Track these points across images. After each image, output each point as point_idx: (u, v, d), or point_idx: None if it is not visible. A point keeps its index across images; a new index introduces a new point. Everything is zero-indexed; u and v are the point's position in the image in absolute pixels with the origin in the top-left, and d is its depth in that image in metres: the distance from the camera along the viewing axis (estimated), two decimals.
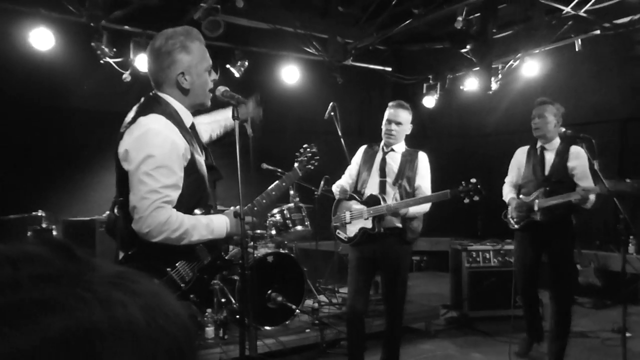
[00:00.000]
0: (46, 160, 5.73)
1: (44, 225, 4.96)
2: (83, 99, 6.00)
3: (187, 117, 2.20)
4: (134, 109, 2.16)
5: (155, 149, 1.99)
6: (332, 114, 4.28)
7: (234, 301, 4.46)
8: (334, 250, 5.88)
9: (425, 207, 3.58)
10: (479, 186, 3.31)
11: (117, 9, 5.44)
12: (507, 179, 4.51)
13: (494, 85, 6.51)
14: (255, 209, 2.52)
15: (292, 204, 4.94)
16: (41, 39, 5.22)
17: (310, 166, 2.87)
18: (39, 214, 4.96)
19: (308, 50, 6.40)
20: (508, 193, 4.41)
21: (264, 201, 2.57)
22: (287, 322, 4.51)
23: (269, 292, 4.44)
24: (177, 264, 2.09)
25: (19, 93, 5.59)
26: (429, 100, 7.63)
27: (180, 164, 2.05)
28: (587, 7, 5.37)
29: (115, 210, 2.14)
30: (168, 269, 2.07)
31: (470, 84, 7.16)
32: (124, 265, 2.03)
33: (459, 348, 4.74)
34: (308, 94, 6.94)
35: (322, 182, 4.90)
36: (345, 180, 3.88)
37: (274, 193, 2.65)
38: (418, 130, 8.51)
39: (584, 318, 5.19)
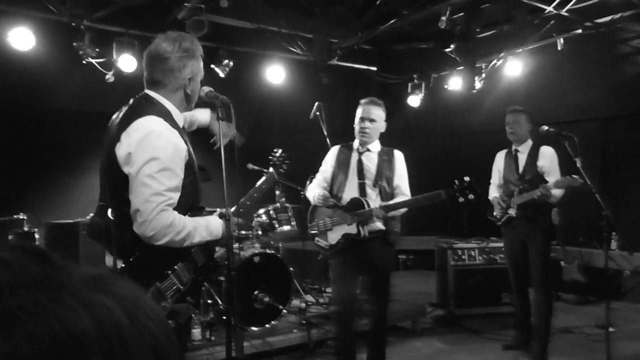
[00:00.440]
0: (28, 162, 5.64)
1: (25, 229, 4.87)
2: (65, 99, 5.92)
3: (179, 119, 2.21)
4: (125, 109, 2.15)
5: (159, 151, 1.98)
6: (318, 113, 4.28)
7: (220, 302, 4.44)
8: (320, 250, 5.88)
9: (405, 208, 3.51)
10: (473, 184, 3.26)
11: (100, 8, 5.37)
12: (492, 181, 4.77)
13: (478, 85, 6.55)
14: (241, 210, 2.51)
15: (278, 204, 4.93)
16: (21, 38, 5.13)
17: (281, 169, 2.92)
18: (21, 217, 4.88)
19: (293, 50, 6.39)
20: (492, 193, 4.68)
21: (248, 202, 2.57)
22: (274, 323, 4.50)
23: (256, 292, 4.42)
24: (176, 267, 2.10)
25: None
26: (414, 99, 7.66)
27: (181, 166, 2.07)
28: (569, 6, 5.43)
29: (109, 215, 2.08)
30: (168, 272, 2.08)
31: (455, 83, 7.20)
32: (127, 271, 2.01)
33: (446, 345, 4.77)
34: (293, 93, 6.93)
35: (307, 182, 4.90)
36: (319, 184, 3.69)
37: (255, 195, 2.66)
38: (403, 130, 8.64)
39: (568, 314, 5.26)
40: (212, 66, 6.21)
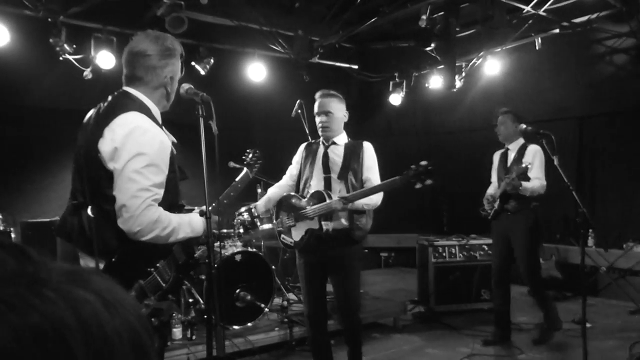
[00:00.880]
0: (2, 160, 5.53)
1: (1, 228, 4.79)
2: (42, 96, 5.81)
3: (158, 116, 2.20)
4: (104, 106, 2.13)
5: (145, 147, 1.98)
6: (300, 111, 4.26)
7: (201, 301, 4.41)
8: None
9: (375, 199, 3.30)
10: (429, 167, 3.03)
11: (76, 4, 5.28)
12: (492, 180, 4.94)
13: (458, 84, 6.61)
14: (219, 209, 2.50)
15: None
16: None
17: (255, 168, 2.93)
18: None
19: (274, 47, 6.37)
20: (488, 191, 4.86)
21: (225, 201, 2.57)
22: (256, 321, 4.49)
23: (238, 291, 4.40)
24: (158, 264, 2.09)
25: None
26: (395, 98, 7.70)
27: (167, 163, 2.07)
28: (546, 6, 5.50)
29: (89, 212, 2.03)
30: (151, 269, 2.07)
31: (435, 82, 7.26)
32: (109, 269, 1.98)
33: (426, 342, 4.82)
34: (275, 91, 6.91)
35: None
36: (285, 182, 3.65)
37: (232, 194, 2.66)
38: (384, 129, 8.67)
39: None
40: (193, 63, 6.16)
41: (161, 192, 2.04)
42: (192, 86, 2.40)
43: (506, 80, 7.05)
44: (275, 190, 3.69)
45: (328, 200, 3.22)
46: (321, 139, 3.53)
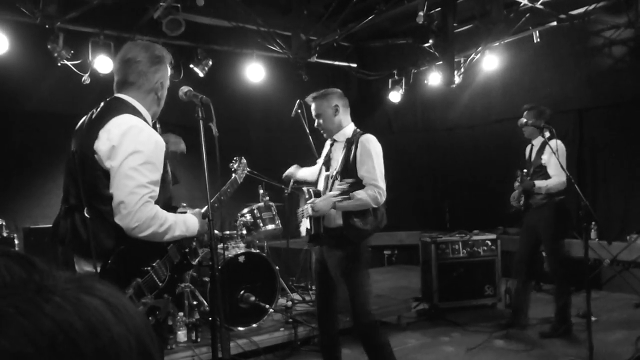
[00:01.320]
0: (4, 166, 5.53)
1: (4, 234, 4.80)
2: (41, 102, 5.82)
3: (149, 121, 2.23)
4: (97, 111, 2.17)
5: (141, 145, 2.03)
6: (299, 111, 4.26)
7: (205, 303, 4.41)
8: (305, 248, 5.87)
9: (364, 199, 3.16)
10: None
11: (73, 9, 5.28)
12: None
13: (457, 79, 6.60)
14: (210, 212, 2.53)
15: (262, 203, 4.91)
16: None
17: (243, 175, 2.99)
18: None
19: (272, 47, 6.36)
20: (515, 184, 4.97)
21: (216, 205, 2.59)
22: (260, 322, 4.49)
23: (242, 292, 4.40)
24: (154, 264, 2.12)
25: None
26: (395, 95, 7.69)
27: (162, 161, 2.12)
28: None
29: (85, 213, 2.05)
30: (147, 268, 2.10)
31: (434, 78, 7.25)
32: (107, 269, 2.00)
33: (431, 339, 4.81)
34: (274, 92, 6.90)
35: (291, 181, 4.88)
36: (314, 169, 3.66)
37: (222, 198, 2.69)
38: (384, 126, 8.66)
39: (550, 304, 5.31)
40: (191, 66, 6.16)
41: (157, 189, 2.08)
42: (192, 89, 2.41)
43: (505, 74, 7.04)
44: (306, 172, 3.71)
45: (308, 203, 3.22)
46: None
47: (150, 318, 2.02)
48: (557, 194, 4.51)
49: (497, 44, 6.54)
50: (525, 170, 4.70)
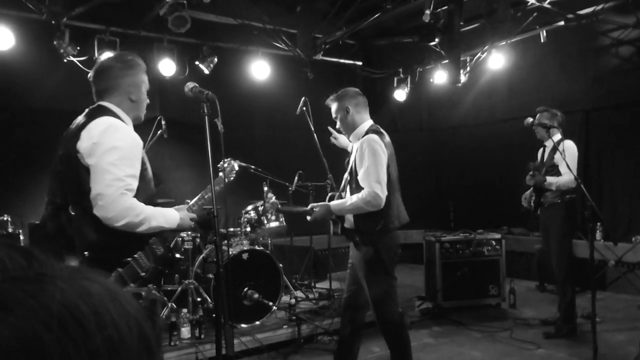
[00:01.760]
0: (10, 163, 5.55)
1: (10, 230, 4.81)
2: (47, 98, 5.83)
3: (130, 125, 2.35)
4: (81, 117, 2.31)
5: (118, 141, 2.16)
6: (304, 109, 4.25)
7: (209, 300, 4.42)
8: (309, 246, 5.87)
9: (350, 205, 3.17)
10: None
11: (79, 5, 5.29)
12: None
13: (463, 78, 6.58)
14: (194, 208, 2.55)
15: (267, 204, 4.90)
16: (0, 38, 5.04)
17: (231, 177, 2.98)
18: (5, 218, 4.83)
19: (278, 45, 6.36)
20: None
21: (200, 202, 2.60)
22: (264, 319, 4.49)
23: (245, 289, 4.41)
24: (135, 255, 2.18)
25: None
26: (400, 93, 7.67)
27: (139, 158, 2.23)
28: None
29: (70, 211, 2.19)
30: (129, 259, 2.18)
31: (440, 77, 7.22)
32: (89, 261, 2.12)
33: (434, 338, 4.80)
34: (279, 89, 6.90)
35: (296, 178, 4.88)
36: None
37: (208, 194, 2.67)
38: (389, 124, 8.64)
39: (554, 304, 5.30)
40: (197, 63, 6.16)
41: (135, 183, 2.18)
42: (197, 85, 2.41)
43: (511, 74, 7.01)
44: None
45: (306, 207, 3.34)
46: None
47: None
48: (568, 192, 4.52)
49: (504, 43, 6.51)
50: (537, 162, 4.75)
